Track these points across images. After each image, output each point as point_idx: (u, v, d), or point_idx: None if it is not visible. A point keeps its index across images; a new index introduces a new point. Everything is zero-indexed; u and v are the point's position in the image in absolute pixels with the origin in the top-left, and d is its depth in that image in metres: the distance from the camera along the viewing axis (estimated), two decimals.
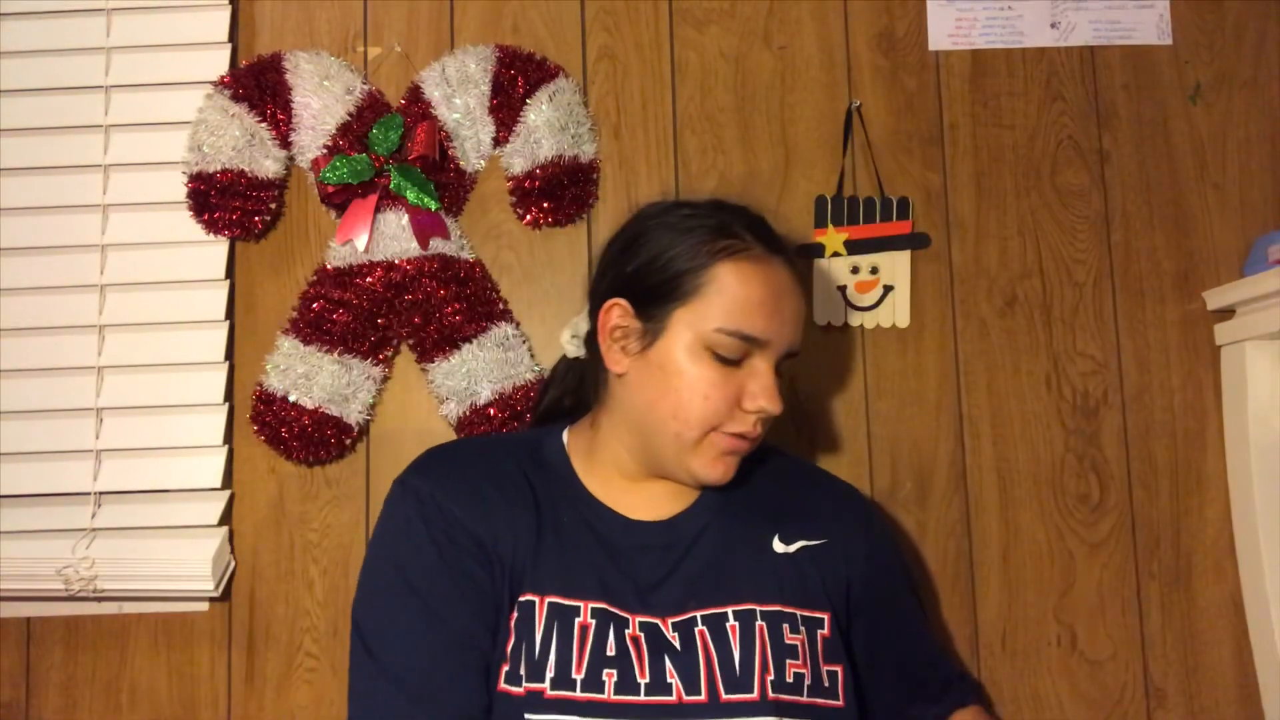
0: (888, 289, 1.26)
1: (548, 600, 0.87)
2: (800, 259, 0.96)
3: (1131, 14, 1.33)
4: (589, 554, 0.91)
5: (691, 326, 0.89)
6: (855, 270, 1.26)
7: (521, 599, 0.88)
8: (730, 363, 0.89)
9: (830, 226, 1.26)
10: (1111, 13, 1.33)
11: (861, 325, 1.27)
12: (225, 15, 1.29)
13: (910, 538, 1.24)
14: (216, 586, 1.18)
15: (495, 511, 0.90)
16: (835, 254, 1.26)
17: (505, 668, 0.86)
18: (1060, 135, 1.31)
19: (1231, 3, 1.33)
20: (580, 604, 0.88)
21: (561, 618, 0.87)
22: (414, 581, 0.87)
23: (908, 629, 1.03)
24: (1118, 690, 1.22)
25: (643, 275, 0.93)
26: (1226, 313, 1.27)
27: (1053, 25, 1.32)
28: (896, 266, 1.27)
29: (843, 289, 1.26)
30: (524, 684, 0.84)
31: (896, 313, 1.26)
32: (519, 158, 1.25)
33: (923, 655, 1.04)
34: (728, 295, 0.89)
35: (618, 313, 0.94)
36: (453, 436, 1.24)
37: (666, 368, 0.90)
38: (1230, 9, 1.33)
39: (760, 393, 0.89)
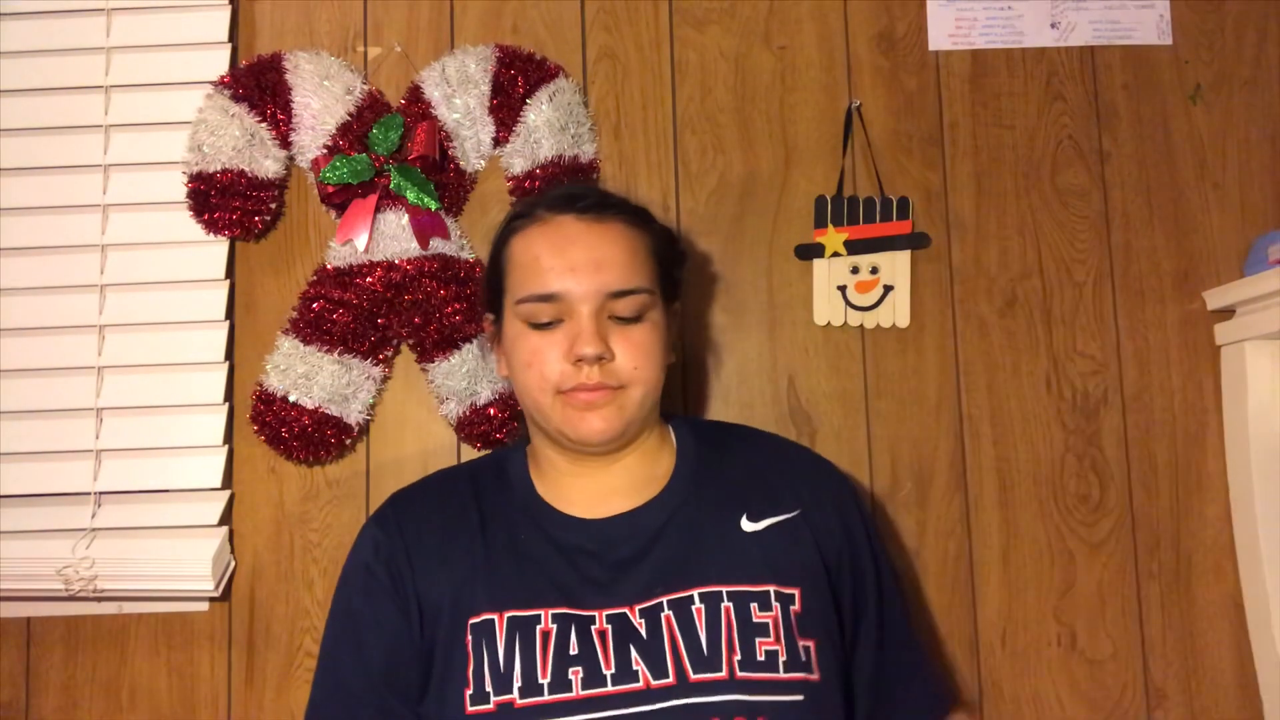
0: (888, 289, 1.26)
1: (507, 615, 0.89)
2: (637, 216, 0.98)
3: (1131, 14, 1.33)
4: (547, 564, 0.92)
5: (510, 307, 0.96)
6: (855, 270, 1.26)
7: (475, 620, 0.89)
8: (546, 326, 0.93)
9: (830, 226, 1.26)
10: (1111, 13, 1.33)
11: (861, 325, 1.27)
12: (225, 15, 1.29)
13: (910, 538, 1.24)
14: (216, 586, 1.18)
15: (438, 557, 0.95)
16: (835, 254, 1.26)
17: (468, 691, 0.87)
18: (1060, 135, 1.31)
19: (1231, 3, 1.33)
20: (540, 612, 0.89)
21: (523, 629, 0.88)
22: (352, 614, 0.96)
23: (879, 618, 0.99)
24: (1118, 690, 1.22)
25: (485, 285, 1.03)
26: (1226, 313, 1.26)
27: (1053, 25, 1.32)
28: (896, 266, 1.27)
29: (843, 289, 1.26)
30: (493, 700, 0.85)
31: (896, 313, 1.26)
32: (519, 158, 1.25)
33: (893, 653, 1.00)
34: (518, 266, 0.96)
35: (488, 326, 1.03)
36: (452, 437, 1.24)
37: (507, 352, 0.98)
38: (1230, 9, 1.33)
39: (576, 339, 0.92)
